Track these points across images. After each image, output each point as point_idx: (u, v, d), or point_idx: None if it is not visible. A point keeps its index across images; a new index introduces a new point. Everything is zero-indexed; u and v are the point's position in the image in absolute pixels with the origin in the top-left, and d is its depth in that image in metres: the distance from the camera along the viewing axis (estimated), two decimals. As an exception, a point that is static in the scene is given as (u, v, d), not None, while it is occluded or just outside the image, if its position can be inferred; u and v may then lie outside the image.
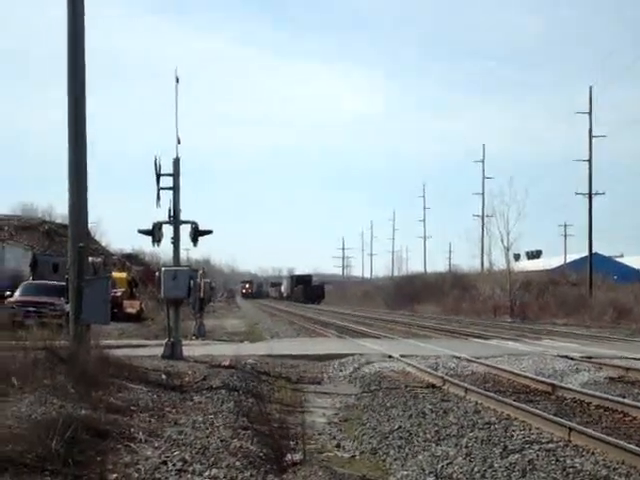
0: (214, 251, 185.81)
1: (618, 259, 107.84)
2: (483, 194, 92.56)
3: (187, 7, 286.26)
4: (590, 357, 25.45)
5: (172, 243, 23.69)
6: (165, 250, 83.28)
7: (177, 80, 23.62)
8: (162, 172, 23.14)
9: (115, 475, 9.45)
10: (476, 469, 10.51)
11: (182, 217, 23.67)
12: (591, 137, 70.87)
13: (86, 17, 20.18)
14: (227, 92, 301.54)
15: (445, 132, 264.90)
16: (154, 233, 23.29)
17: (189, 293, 23.92)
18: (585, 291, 68.56)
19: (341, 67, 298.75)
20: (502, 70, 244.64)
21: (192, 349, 25.56)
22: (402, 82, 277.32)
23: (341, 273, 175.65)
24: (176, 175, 23.44)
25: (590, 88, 71.23)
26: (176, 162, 23.48)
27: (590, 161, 70.66)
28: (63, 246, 57.33)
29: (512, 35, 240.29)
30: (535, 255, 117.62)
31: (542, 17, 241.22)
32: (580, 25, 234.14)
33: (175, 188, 23.42)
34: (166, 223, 23.43)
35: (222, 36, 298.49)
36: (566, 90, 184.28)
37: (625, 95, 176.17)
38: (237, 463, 10.28)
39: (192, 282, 24.20)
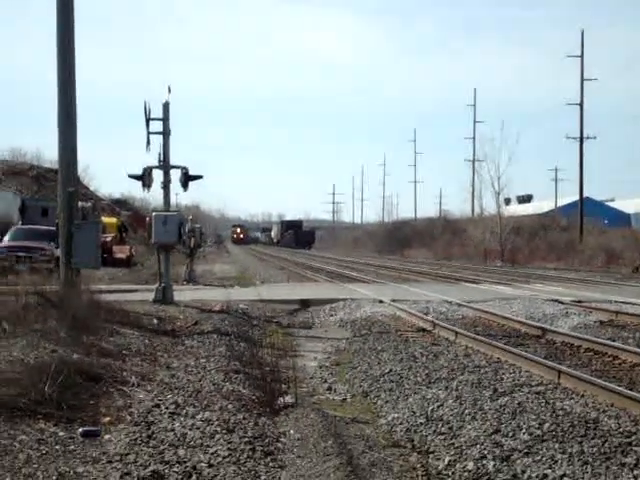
0: (204, 196, 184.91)
1: (609, 203, 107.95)
2: (474, 138, 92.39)
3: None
4: (580, 301, 25.57)
5: (162, 188, 23.63)
6: (155, 195, 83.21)
7: (169, 90, 23.60)
8: (152, 116, 23.04)
9: (108, 418, 9.51)
10: (466, 411, 10.58)
11: (172, 162, 23.61)
12: (582, 81, 70.66)
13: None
14: (219, 32, 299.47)
15: (438, 76, 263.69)
16: (144, 178, 23.23)
17: (179, 238, 23.90)
18: (576, 236, 68.71)
19: (324, 10, 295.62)
20: (500, 11, 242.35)
21: (183, 294, 25.59)
22: (392, 23, 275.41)
23: (332, 219, 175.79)
24: (166, 119, 23.33)
25: (582, 31, 71.05)
26: (166, 106, 23.36)
27: (581, 105, 70.51)
28: (52, 191, 57.23)
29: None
30: (526, 200, 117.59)
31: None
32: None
33: (165, 133, 23.33)
34: (156, 168, 23.37)
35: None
36: (561, 33, 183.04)
37: (619, 38, 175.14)
38: (229, 406, 10.35)
39: (182, 227, 24.16)
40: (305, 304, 25.40)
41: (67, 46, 20.09)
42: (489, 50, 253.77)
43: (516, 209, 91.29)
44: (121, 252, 47.67)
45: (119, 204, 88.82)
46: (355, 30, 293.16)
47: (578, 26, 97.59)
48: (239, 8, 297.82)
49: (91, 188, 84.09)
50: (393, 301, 25.16)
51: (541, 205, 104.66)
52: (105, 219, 53.68)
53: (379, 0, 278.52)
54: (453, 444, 9.40)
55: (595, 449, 8.74)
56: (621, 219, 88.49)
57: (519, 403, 10.82)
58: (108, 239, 45.28)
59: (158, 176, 23.48)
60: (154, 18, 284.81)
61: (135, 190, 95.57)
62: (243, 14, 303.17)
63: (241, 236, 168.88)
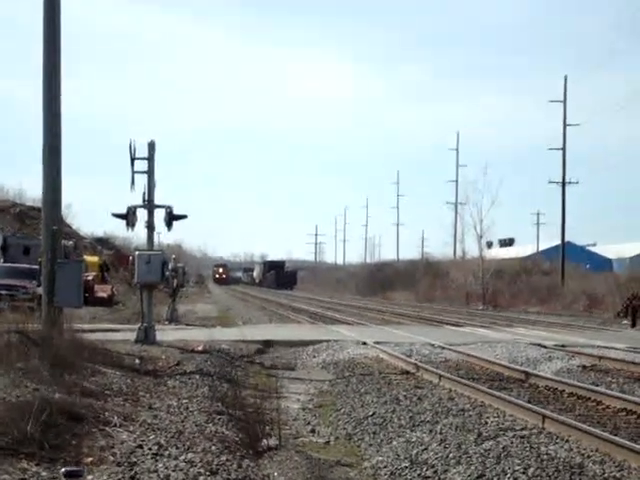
0: (186, 235, 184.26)
1: (591, 248, 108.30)
2: (457, 181, 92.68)
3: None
4: (563, 345, 25.58)
5: (146, 227, 23.57)
6: (137, 234, 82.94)
7: (153, 146, 23.58)
8: (137, 156, 23.02)
9: (91, 459, 9.41)
10: (451, 455, 10.54)
11: (155, 201, 23.56)
12: (565, 125, 71.13)
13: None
14: (201, 74, 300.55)
15: (422, 119, 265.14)
16: (128, 217, 23.18)
17: (163, 277, 23.84)
18: (557, 280, 68.84)
19: (308, 50, 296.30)
20: (483, 57, 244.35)
21: (165, 334, 25.47)
22: (375, 66, 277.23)
23: (314, 259, 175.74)
24: (151, 159, 23.31)
25: (565, 77, 71.55)
26: (151, 146, 23.36)
27: (564, 150, 70.93)
28: (34, 229, 57.06)
29: (494, 21, 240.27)
30: (508, 243, 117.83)
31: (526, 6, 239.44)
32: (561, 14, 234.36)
33: (150, 172, 23.30)
34: (141, 207, 23.32)
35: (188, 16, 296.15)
36: (544, 79, 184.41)
37: (601, 84, 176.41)
38: (213, 447, 10.27)
39: (165, 266, 24.08)
40: (287, 345, 25.30)
41: (53, 84, 20.10)
42: (474, 94, 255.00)
43: (498, 252, 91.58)
44: (103, 291, 47.50)
45: (101, 243, 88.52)
46: (340, 71, 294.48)
47: (562, 72, 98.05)
48: (226, 48, 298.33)
49: (73, 227, 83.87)
50: (376, 343, 25.10)
51: (523, 249, 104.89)
52: (87, 258, 53.54)
53: (363, 44, 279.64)
54: (438, 488, 9.36)
55: (581, 494, 8.71)
56: (603, 264, 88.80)
57: (504, 447, 10.78)
58: (90, 278, 45.10)
59: (142, 215, 23.45)
60: (142, 55, 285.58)
61: (118, 229, 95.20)
62: (230, 53, 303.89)
63: (223, 276, 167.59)
